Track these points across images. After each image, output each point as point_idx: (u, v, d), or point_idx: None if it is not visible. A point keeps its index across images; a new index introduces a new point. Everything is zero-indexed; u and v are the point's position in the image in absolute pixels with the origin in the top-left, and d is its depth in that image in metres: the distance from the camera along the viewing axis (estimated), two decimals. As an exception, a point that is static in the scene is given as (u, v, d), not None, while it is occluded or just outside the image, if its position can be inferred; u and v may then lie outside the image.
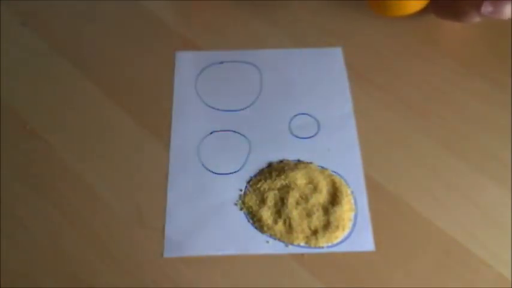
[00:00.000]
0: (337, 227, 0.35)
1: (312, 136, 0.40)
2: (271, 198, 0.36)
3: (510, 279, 0.33)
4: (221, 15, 0.47)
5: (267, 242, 0.35)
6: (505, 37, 0.45)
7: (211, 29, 0.46)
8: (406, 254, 0.34)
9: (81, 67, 0.44)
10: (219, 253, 0.35)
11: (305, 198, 0.36)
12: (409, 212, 0.36)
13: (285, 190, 0.36)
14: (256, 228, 0.36)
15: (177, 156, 0.39)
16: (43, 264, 0.34)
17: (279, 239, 0.35)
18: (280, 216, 0.36)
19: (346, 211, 0.36)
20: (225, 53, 0.45)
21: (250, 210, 0.36)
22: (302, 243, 0.35)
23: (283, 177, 0.37)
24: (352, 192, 0.37)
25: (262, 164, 0.39)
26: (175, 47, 0.45)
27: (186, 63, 0.44)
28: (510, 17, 0.37)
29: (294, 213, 0.35)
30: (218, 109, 0.42)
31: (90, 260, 0.34)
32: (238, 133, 0.40)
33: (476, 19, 0.40)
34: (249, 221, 0.36)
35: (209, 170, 0.38)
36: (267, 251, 0.35)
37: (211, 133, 0.40)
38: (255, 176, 0.38)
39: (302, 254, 0.35)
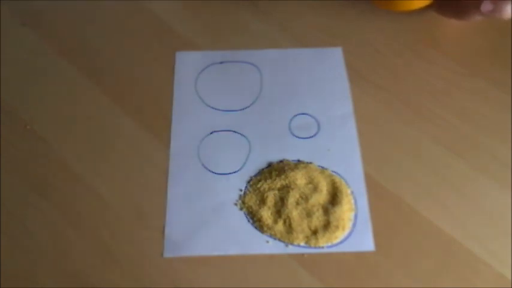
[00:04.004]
0: (337, 227, 0.35)
1: (312, 136, 0.40)
2: (271, 198, 0.36)
3: (510, 279, 0.33)
4: (221, 15, 0.47)
5: (267, 242, 0.35)
6: (505, 37, 0.45)
7: (211, 29, 0.46)
8: (406, 254, 0.34)
9: (81, 67, 0.44)
10: (219, 253, 0.35)
11: (305, 198, 0.36)
12: (409, 212, 0.36)
13: (285, 190, 0.36)
14: (256, 228, 0.36)
15: (177, 156, 0.39)
16: (43, 264, 0.34)
17: (279, 239, 0.35)
18: (280, 216, 0.36)
19: (346, 211, 0.36)
20: (225, 53, 0.45)
21: (250, 210, 0.36)
22: (302, 243, 0.35)
23: (283, 177, 0.37)
24: (352, 192, 0.37)
25: (262, 164, 0.39)
26: (175, 47, 0.45)
27: (186, 63, 0.44)
28: (510, 16, 0.37)
29: (294, 213, 0.35)
30: (218, 109, 0.42)
31: (90, 260, 0.34)
32: (238, 133, 0.40)
33: (478, 18, 0.40)
34: (249, 221, 0.36)
35: (209, 170, 0.38)
36: (267, 251, 0.35)
37: (211, 133, 0.40)
38: (255, 176, 0.38)
39: (302, 254, 0.35)
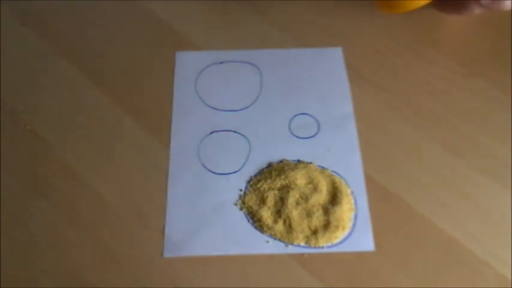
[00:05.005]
0: (337, 227, 0.35)
1: (312, 136, 0.40)
2: (271, 198, 0.36)
3: (510, 279, 0.33)
4: (221, 15, 0.47)
5: (267, 242, 0.35)
6: (505, 37, 0.45)
7: (211, 29, 0.46)
8: (406, 254, 0.34)
9: (81, 67, 0.44)
10: (219, 253, 0.35)
11: (305, 198, 0.36)
12: (409, 212, 0.36)
13: (285, 190, 0.36)
14: (256, 228, 0.36)
15: (177, 156, 0.39)
16: (43, 264, 0.34)
17: (279, 239, 0.35)
18: (280, 216, 0.36)
19: (346, 211, 0.36)
20: (225, 53, 0.45)
21: (250, 210, 0.36)
22: (302, 243, 0.35)
23: (283, 177, 0.37)
24: (352, 192, 0.37)
25: (262, 164, 0.39)
26: (175, 47, 0.45)
27: (186, 63, 0.44)
28: (510, 8, 0.37)
29: (294, 213, 0.35)
30: (218, 109, 0.42)
31: (90, 260, 0.34)
32: (238, 133, 0.40)
33: (477, 11, 0.40)
34: (249, 221, 0.36)
35: (209, 170, 0.38)
36: (267, 251, 0.35)
37: (211, 133, 0.40)
38: (255, 176, 0.38)
39: (302, 254, 0.35)
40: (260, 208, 0.36)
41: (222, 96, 0.42)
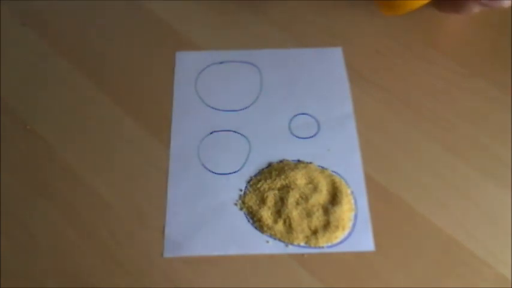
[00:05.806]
0: (337, 227, 0.35)
1: (312, 136, 0.40)
2: (271, 198, 0.36)
3: (510, 279, 0.33)
4: (221, 15, 0.47)
5: (267, 242, 0.35)
6: (505, 37, 0.45)
7: (211, 29, 0.46)
8: (406, 254, 0.34)
9: (81, 67, 0.44)
10: (219, 253, 0.35)
11: (305, 198, 0.36)
12: (409, 212, 0.36)
13: (285, 190, 0.36)
14: (256, 228, 0.36)
15: (177, 156, 0.39)
16: (43, 264, 0.34)
17: (279, 239, 0.35)
18: (280, 216, 0.36)
19: (346, 211, 0.36)
20: (225, 53, 0.45)
21: (250, 210, 0.36)
22: (302, 243, 0.35)
23: (283, 177, 0.37)
24: (352, 192, 0.37)
25: (262, 164, 0.39)
26: (175, 47, 0.45)
27: (186, 63, 0.44)
28: (509, 5, 0.37)
29: (294, 213, 0.35)
30: (218, 109, 0.42)
31: (90, 260, 0.34)
32: (238, 133, 0.40)
33: (476, 10, 0.40)
34: (249, 221, 0.36)
35: (209, 170, 0.38)
36: (267, 251, 0.35)
37: (211, 133, 0.40)
38: (255, 176, 0.38)
39: (302, 254, 0.35)
40: (260, 208, 0.36)
41: (222, 96, 0.42)
